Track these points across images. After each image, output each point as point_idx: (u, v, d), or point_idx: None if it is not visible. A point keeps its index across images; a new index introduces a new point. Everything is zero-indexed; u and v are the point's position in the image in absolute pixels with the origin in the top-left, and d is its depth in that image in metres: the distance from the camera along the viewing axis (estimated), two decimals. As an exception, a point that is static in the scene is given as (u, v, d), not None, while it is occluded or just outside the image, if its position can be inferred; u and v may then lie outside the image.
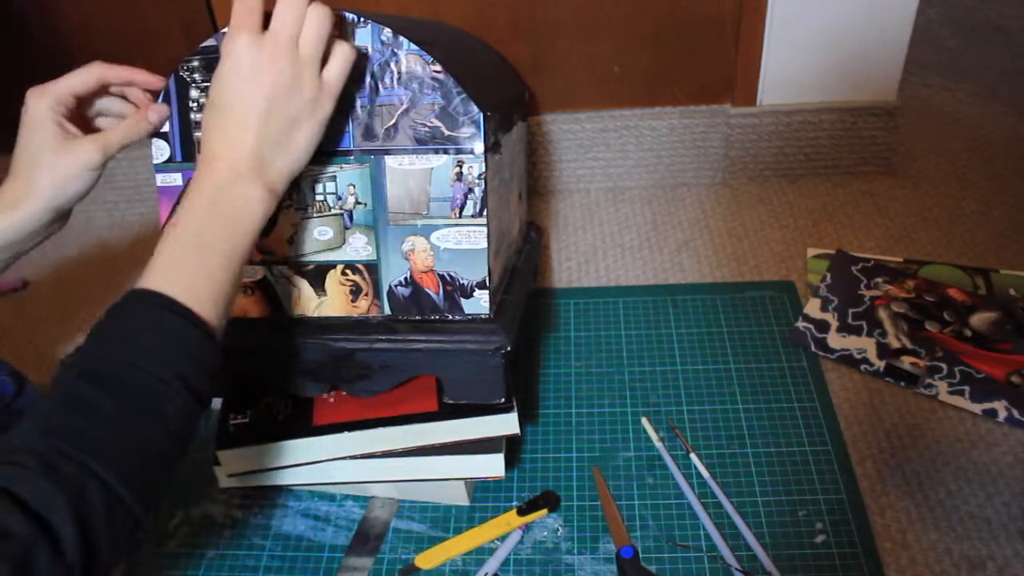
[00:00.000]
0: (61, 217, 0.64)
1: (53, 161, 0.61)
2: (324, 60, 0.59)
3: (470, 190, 0.66)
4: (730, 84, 1.07)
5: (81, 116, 0.65)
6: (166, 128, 0.68)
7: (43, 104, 0.61)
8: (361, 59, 0.64)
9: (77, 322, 1.01)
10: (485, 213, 0.67)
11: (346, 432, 0.71)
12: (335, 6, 0.65)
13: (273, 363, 0.70)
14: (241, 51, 0.56)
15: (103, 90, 0.66)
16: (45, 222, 0.63)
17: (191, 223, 0.54)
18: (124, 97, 0.67)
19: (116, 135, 0.63)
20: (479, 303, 0.68)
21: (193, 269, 0.53)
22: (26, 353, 0.97)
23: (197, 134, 0.68)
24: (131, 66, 0.65)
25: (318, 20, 0.57)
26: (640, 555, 0.69)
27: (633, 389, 0.84)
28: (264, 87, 0.56)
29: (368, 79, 0.65)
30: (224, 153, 0.56)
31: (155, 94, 0.67)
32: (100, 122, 0.67)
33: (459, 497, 0.75)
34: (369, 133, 0.66)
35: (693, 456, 0.76)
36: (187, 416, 0.50)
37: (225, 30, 0.66)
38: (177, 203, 0.61)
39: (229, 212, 0.55)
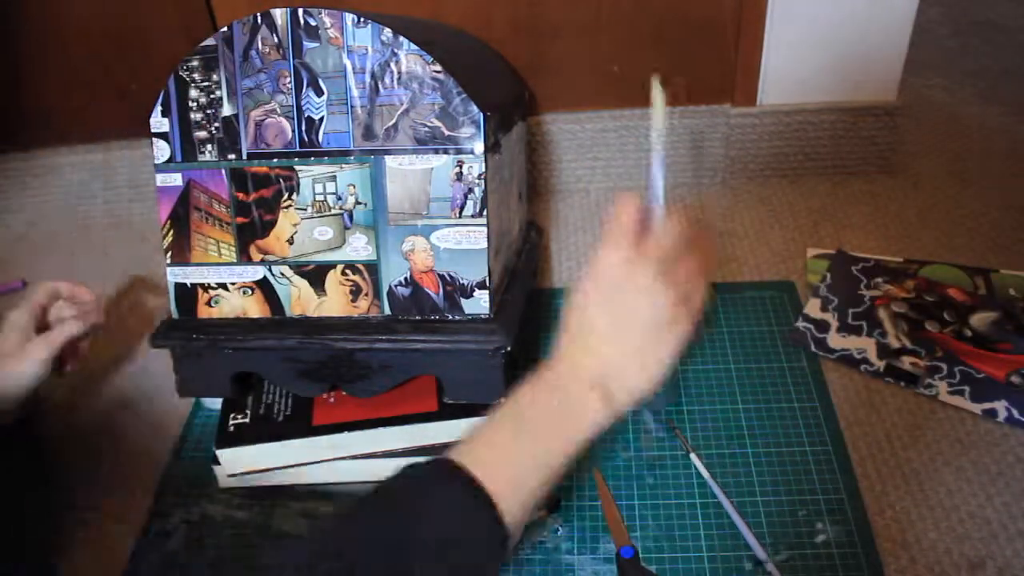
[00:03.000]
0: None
1: (12, 360, 0.73)
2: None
3: (470, 190, 0.66)
4: (730, 84, 1.07)
5: (45, 318, 0.80)
6: (166, 128, 0.68)
7: (24, 315, 0.76)
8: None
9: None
10: (485, 213, 0.67)
11: (346, 432, 0.71)
12: (335, 6, 0.65)
13: (273, 363, 0.70)
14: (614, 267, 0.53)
15: (56, 298, 0.81)
16: None
17: (520, 407, 0.53)
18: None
19: (59, 334, 0.76)
20: (479, 303, 0.68)
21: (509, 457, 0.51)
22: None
23: (197, 134, 0.68)
24: (71, 282, 0.82)
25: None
26: (640, 555, 0.69)
27: (633, 389, 0.84)
28: (637, 307, 0.53)
29: (368, 79, 0.65)
30: (578, 357, 0.54)
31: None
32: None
33: (459, 497, 0.75)
34: (369, 133, 0.66)
35: (693, 456, 0.76)
36: None
37: (224, 29, 0.66)
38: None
39: (563, 410, 0.53)
